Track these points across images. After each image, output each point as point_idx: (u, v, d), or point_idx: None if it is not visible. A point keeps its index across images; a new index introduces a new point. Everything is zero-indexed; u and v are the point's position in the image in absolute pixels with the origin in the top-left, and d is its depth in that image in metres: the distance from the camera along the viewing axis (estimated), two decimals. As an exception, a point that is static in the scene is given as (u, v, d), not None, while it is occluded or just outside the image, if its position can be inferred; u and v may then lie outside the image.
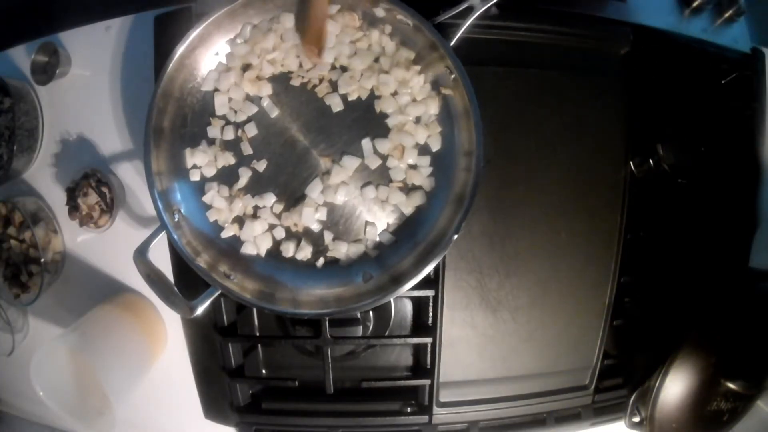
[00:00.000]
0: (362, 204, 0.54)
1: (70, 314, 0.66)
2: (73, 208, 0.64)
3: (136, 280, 0.65)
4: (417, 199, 0.54)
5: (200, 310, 0.50)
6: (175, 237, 0.51)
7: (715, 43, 0.70)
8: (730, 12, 0.69)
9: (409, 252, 0.53)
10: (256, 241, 0.54)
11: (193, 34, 0.52)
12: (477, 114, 0.51)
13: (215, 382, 0.63)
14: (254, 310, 0.62)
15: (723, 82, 0.67)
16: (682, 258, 0.63)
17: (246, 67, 0.55)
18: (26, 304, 0.66)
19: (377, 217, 0.54)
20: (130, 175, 0.65)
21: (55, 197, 0.67)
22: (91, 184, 0.63)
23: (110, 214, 0.63)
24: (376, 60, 0.55)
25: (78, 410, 0.58)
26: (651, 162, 0.62)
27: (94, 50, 0.66)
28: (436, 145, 0.54)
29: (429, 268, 0.50)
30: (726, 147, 0.64)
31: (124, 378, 0.59)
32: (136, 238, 0.64)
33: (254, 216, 0.54)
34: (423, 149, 0.54)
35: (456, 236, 0.50)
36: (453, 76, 0.52)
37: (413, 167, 0.54)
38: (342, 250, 0.54)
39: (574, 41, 0.62)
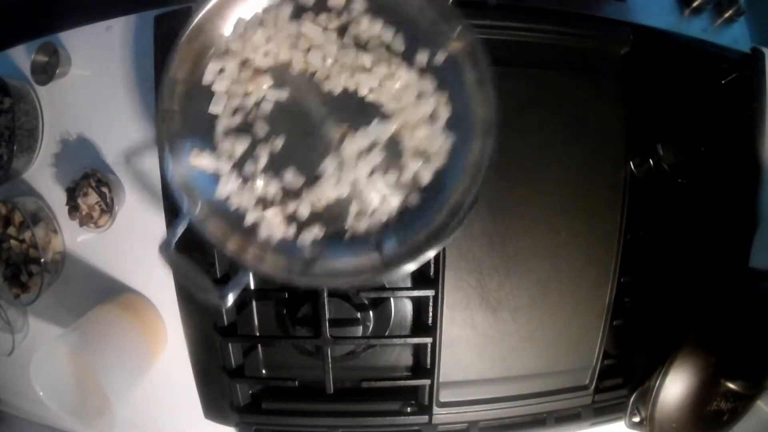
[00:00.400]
0: (379, 176, 0.53)
1: (70, 314, 0.66)
2: (73, 208, 0.64)
3: (137, 280, 0.65)
4: (431, 169, 0.52)
5: (232, 297, 0.49)
6: (200, 226, 0.50)
7: (715, 43, 0.70)
8: (730, 12, 0.69)
9: (428, 223, 0.52)
10: (282, 222, 0.52)
11: (198, 16, 0.51)
12: (486, 71, 0.49)
13: (215, 382, 0.63)
14: (254, 310, 0.63)
15: (723, 82, 0.67)
16: (682, 258, 0.63)
17: (244, 62, 0.54)
18: (26, 304, 0.66)
19: (394, 189, 0.53)
20: (131, 175, 0.65)
21: (55, 197, 0.67)
22: (91, 184, 0.63)
23: (110, 214, 0.63)
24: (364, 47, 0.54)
25: (78, 410, 0.58)
26: (651, 162, 0.62)
27: (94, 50, 0.65)
28: (444, 114, 0.52)
29: (447, 241, 0.49)
30: (726, 147, 0.64)
31: (124, 378, 0.59)
32: (136, 238, 0.65)
33: (276, 195, 0.53)
34: (434, 117, 0.53)
35: (472, 207, 0.49)
36: (458, 28, 0.51)
37: (426, 137, 0.52)
38: (363, 223, 0.53)
39: (574, 41, 0.62)
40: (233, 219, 0.53)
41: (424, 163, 0.53)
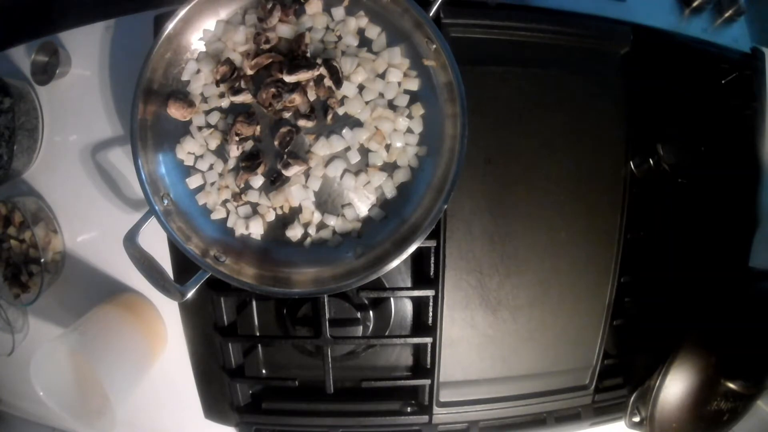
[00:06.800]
0: (346, 185, 0.54)
1: (70, 314, 0.66)
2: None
3: (137, 280, 0.65)
4: (400, 178, 0.54)
5: (190, 294, 0.51)
6: (164, 221, 0.52)
7: (715, 43, 0.70)
8: (730, 12, 0.69)
9: (393, 232, 0.53)
10: (247, 222, 0.54)
11: (180, 14, 0.52)
12: (460, 86, 0.50)
13: (215, 382, 0.63)
14: (254, 310, 0.63)
15: (723, 81, 0.67)
16: (682, 258, 0.63)
17: (222, 62, 0.55)
18: (26, 304, 0.66)
19: (361, 197, 0.54)
20: (133, 175, 0.65)
21: (55, 197, 0.67)
22: None
23: None
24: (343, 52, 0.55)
25: (78, 410, 0.58)
26: (651, 162, 0.62)
27: (94, 50, 0.65)
28: (417, 128, 0.54)
29: (411, 249, 0.50)
30: (726, 147, 0.64)
31: (124, 378, 0.59)
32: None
33: (243, 196, 0.55)
34: (408, 129, 0.54)
35: (438, 217, 0.50)
36: (434, 46, 0.52)
37: (397, 148, 0.54)
38: (329, 230, 0.54)
39: (574, 41, 0.62)
40: (201, 218, 0.55)
41: (391, 176, 0.54)
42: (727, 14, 0.70)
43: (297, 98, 0.53)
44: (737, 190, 0.64)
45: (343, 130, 0.54)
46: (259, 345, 0.64)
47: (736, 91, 0.66)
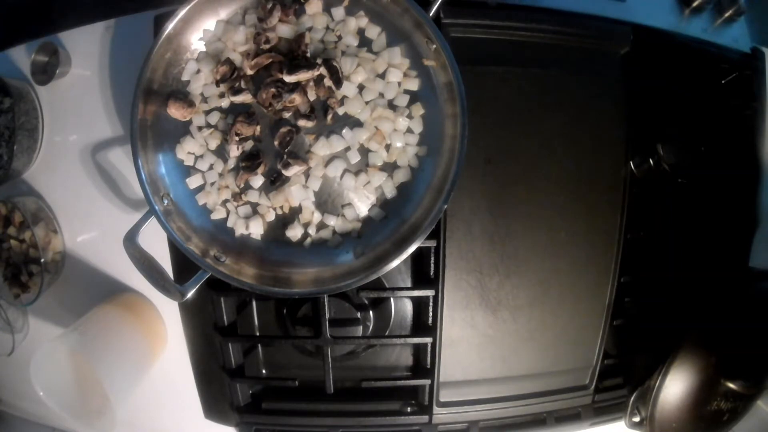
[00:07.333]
0: (346, 185, 0.54)
1: (70, 314, 0.66)
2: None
3: (137, 280, 0.65)
4: (400, 178, 0.54)
5: (190, 294, 0.51)
6: (164, 221, 0.52)
7: (715, 43, 0.70)
8: (730, 12, 0.69)
9: (394, 232, 0.53)
10: (247, 222, 0.54)
11: (180, 14, 0.52)
12: (460, 86, 0.50)
13: (215, 382, 0.63)
14: (254, 310, 0.63)
15: (723, 81, 0.67)
16: (682, 258, 0.63)
17: (222, 62, 0.55)
18: (26, 304, 0.66)
19: (361, 197, 0.54)
20: (133, 175, 0.65)
21: (55, 197, 0.67)
22: None
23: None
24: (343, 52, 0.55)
25: (78, 410, 0.58)
26: (651, 162, 0.62)
27: (94, 50, 0.66)
28: (417, 128, 0.54)
29: (411, 249, 0.50)
30: (726, 147, 0.64)
31: (124, 378, 0.59)
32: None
33: (243, 196, 0.55)
34: (408, 129, 0.54)
35: (438, 217, 0.50)
36: (434, 46, 0.52)
37: (397, 148, 0.54)
38: (329, 230, 0.54)
39: (574, 41, 0.62)
40: (201, 218, 0.55)
41: (391, 176, 0.54)
42: (727, 14, 0.70)
43: (297, 98, 0.53)
44: (737, 190, 0.64)
45: (343, 130, 0.54)
46: (259, 345, 0.64)
47: (736, 91, 0.66)
